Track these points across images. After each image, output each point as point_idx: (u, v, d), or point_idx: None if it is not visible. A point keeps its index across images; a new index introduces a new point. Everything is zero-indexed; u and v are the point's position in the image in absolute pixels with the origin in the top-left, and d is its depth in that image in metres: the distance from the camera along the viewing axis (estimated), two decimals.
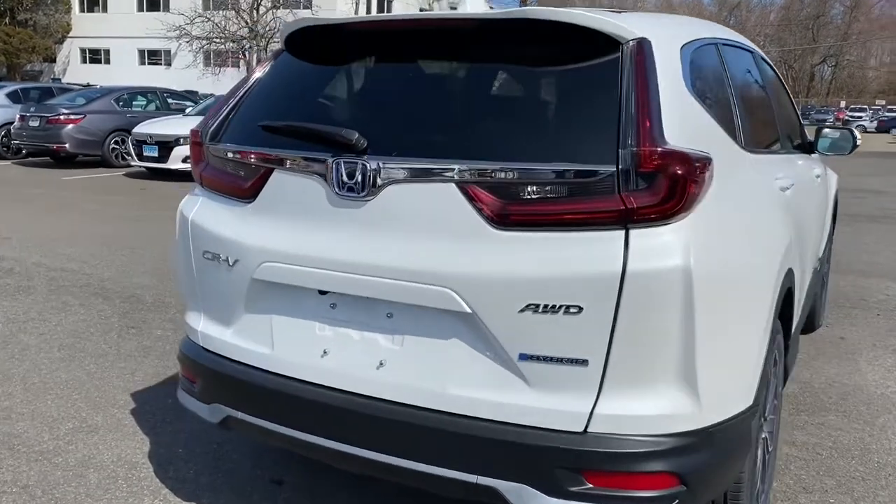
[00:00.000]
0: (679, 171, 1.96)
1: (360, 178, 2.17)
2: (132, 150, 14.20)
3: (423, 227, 2.13)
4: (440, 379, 2.14)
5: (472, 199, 2.06)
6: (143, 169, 14.38)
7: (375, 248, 2.18)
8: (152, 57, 50.61)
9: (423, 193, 2.12)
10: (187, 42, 40.70)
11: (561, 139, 2.09)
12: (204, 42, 41.11)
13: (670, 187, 1.96)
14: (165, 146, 13.52)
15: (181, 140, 13.11)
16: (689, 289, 1.95)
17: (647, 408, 2.01)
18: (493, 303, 2.04)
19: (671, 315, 1.96)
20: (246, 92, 2.66)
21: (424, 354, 2.18)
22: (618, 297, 1.95)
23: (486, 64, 2.34)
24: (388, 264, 2.15)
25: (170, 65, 48.08)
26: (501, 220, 2.04)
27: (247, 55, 40.57)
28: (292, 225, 2.34)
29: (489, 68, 2.36)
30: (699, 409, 2.03)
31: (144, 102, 16.94)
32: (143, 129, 14.09)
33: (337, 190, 2.22)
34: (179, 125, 13.60)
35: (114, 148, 15.67)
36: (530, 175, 2.01)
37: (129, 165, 14.92)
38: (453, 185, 2.08)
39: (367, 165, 2.16)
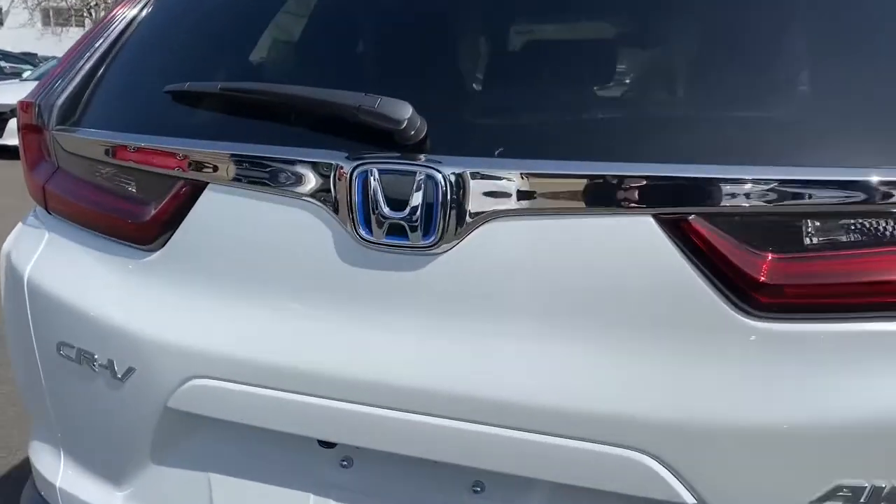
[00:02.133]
0: None
1: (419, 207, 0.98)
2: None
3: (571, 314, 0.97)
4: None
5: (695, 249, 0.92)
6: None
7: (451, 356, 1.00)
8: None
9: (574, 239, 0.96)
10: None
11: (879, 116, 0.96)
12: None
13: None
14: None
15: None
16: None
17: None
18: (745, 485, 0.92)
19: None
20: (125, 32, 1.38)
21: None
22: None
23: None
24: (483, 392, 0.99)
25: (1, 24, 43.11)
26: (768, 298, 0.91)
27: (93, 13, 36.80)
28: (254, 304, 1.12)
29: None
30: None
31: None
32: None
33: (363, 232, 1.01)
34: (15, 92, 11.47)
35: None
36: (833, 195, 0.89)
37: None
38: (650, 219, 0.92)
39: (441, 176, 0.97)
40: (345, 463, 1.14)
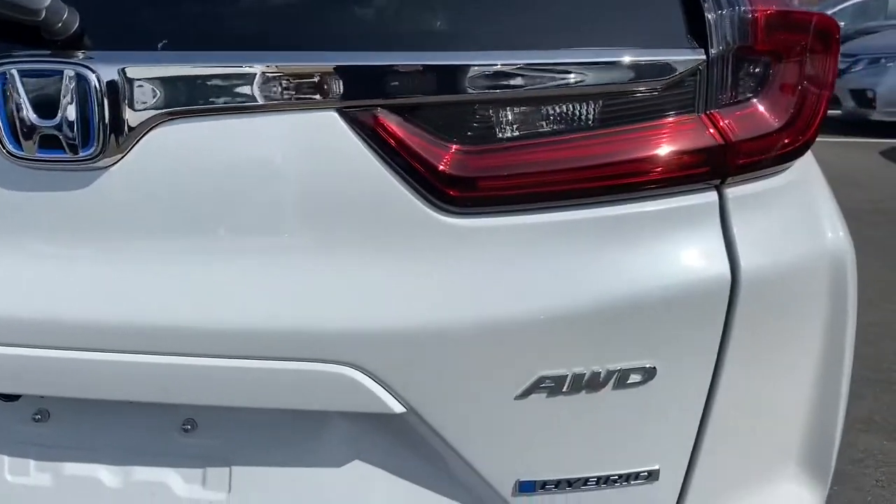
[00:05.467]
0: (818, 59, 0.93)
1: (73, 113, 0.84)
2: None
3: (258, 225, 0.88)
4: None
5: (383, 145, 0.85)
6: None
7: (133, 283, 0.89)
8: None
9: (256, 142, 0.86)
10: None
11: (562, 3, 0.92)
12: None
13: (801, 94, 0.93)
14: None
15: None
16: (842, 298, 0.98)
17: None
18: (452, 385, 0.89)
19: (814, 343, 0.98)
20: None
21: None
22: (723, 332, 0.91)
23: None
24: (175, 320, 0.88)
25: None
26: (461, 192, 0.87)
27: None
28: None
29: None
30: None
31: None
32: None
33: (10, 147, 0.86)
34: None
35: None
36: (516, 82, 0.85)
37: None
38: (334, 113, 0.85)
39: (94, 76, 0.83)
40: (38, 416, 1.00)
